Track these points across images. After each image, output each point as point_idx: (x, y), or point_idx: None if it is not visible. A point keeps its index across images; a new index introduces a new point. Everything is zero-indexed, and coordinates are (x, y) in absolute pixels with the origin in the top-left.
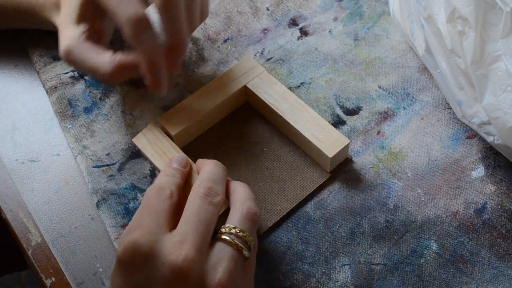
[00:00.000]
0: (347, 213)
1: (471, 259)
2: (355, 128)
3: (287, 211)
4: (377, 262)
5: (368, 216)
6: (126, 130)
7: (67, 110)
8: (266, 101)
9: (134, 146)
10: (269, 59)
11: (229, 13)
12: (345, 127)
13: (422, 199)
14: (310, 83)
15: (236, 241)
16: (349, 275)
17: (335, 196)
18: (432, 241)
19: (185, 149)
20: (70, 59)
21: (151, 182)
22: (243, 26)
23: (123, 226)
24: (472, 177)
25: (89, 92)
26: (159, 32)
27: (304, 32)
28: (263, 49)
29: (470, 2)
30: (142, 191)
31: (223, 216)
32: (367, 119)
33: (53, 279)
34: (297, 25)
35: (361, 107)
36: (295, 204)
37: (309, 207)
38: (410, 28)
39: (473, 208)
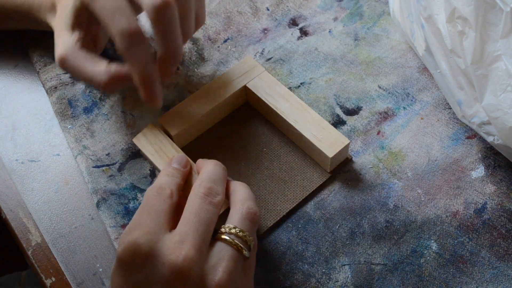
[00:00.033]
0: (347, 213)
1: (471, 259)
2: (355, 128)
3: (287, 211)
4: (377, 262)
5: (368, 216)
6: (126, 130)
7: (67, 110)
8: (266, 101)
9: (134, 146)
10: (269, 59)
11: (229, 13)
12: (345, 127)
13: (422, 199)
14: (310, 83)
15: (236, 241)
16: (349, 275)
17: (335, 196)
18: (432, 241)
19: (185, 149)
20: (65, 67)
21: (151, 182)
22: (243, 26)
23: (123, 226)
24: (472, 177)
25: (89, 92)
26: (152, 42)
27: (304, 32)
28: (263, 49)
29: (470, 2)
30: (142, 191)
31: (223, 216)
32: (367, 119)
33: (53, 279)
34: (297, 25)
35: (361, 107)
36: (295, 204)
37: (309, 207)
38: (410, 28)
39: (473, 208)
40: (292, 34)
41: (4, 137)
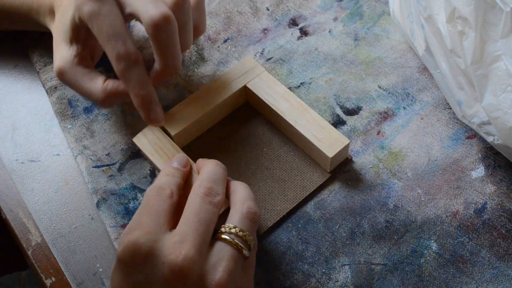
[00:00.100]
0: (347, 213)
1: (471, 259)
2: (355, 128)
3: (287, 211)
4: (377, 262)
5: (368, 216)
6: (126, 130)
7: (67, 110)
8: (266, 101)
9: (134, 146)
10: (269, 59)
11: (229, 13)
12: (345, 127)
13: (422, 199)
14: (310, 83)
15: (236, 240)
16: (349, 275)
17: (335, 196)
18: (432, 241)
19: (185, 149)
20: (63, 80)
21: (151, 182)
22: (243, 26)
23: (123, 226)
24: (472, 177)
25: None
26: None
27: (304, 32)
28: (263, 49)
29: (470, 2)
30: (142, 191)
31: (223, 216)
32: (367, 119)
33: (53, 279)
34: (297, 25)
35: (361, 107)
36: (295, 204)
37: (309, 207)
38: (410, 28)
39: (473, 208)
40: (292, 34)
41: (4, 137)
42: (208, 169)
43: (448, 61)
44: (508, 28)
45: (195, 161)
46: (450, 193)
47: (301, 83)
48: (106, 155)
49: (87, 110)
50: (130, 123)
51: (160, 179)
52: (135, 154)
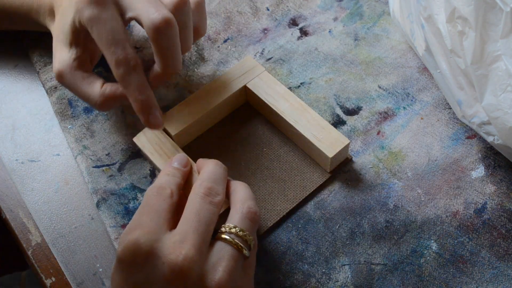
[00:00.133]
0: (347, 213)
1: (471, 259)
2: (355, 128)
3: (287, 211)
4: (377, 262)
5: (368, 216)
6: (126, 130)
7: (67, 110)
8: (266, 101)
9: (134, 146)
10: (269, 59)
11: (229, 13)
12: (345, 127)
13: (422, 199)
14: (310, 83)
15: (236, 240)
16: (349, 275)
17: (335, 196)
18: (432, 241)
19: (185, 149)
20: (62, 82)
21: (151, 182)
22: (243, 26)
23: (123, 226)
24: (472, 177)
25: None
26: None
27: (304, 32)
28: (263, 49)
29: (470, 2)
30: (142, 191)
31: (223, 216)
32: (367, 119)
33: (53, 279)
34: (297, 25)
35: (361, 107)
36: (295, 204)
37: (309, 207)
38: (410, 28)
39: (473, 208)
40: (292, 34)
41: (4, 137)
42: (208, 169)
43: (448, 61)
44: (508, 28)
45: (195, 161)
46: (450, 193)
47: (301, 83)
48: (106, 155)
49: (87, 110)
50: (130, 123)
51: (160, 179)
52: (135, 154)
